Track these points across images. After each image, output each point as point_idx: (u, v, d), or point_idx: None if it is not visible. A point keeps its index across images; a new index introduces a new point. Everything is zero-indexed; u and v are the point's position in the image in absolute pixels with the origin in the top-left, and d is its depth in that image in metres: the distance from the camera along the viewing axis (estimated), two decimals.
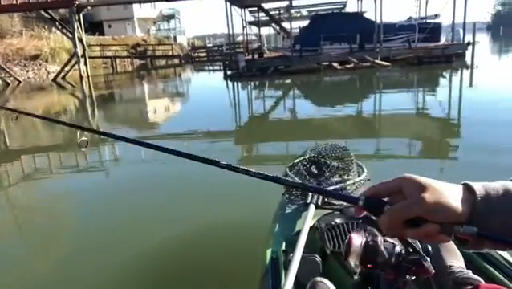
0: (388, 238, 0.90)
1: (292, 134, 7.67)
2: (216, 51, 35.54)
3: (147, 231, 3.66)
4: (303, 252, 1.43)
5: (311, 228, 1.68)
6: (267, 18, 26.80)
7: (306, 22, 26.44)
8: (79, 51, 22.11)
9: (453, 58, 17.23)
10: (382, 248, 0.87)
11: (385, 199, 0.62)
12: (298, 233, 1.57)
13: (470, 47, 18.48)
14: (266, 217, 2.25)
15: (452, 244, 1.41)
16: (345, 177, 2.23)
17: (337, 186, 2.11)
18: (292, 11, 22.34)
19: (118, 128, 9.79)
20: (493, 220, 0.56)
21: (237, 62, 18.85)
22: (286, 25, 27.62)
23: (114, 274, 2.97)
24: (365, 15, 21.69)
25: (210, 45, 43.33)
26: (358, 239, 0.87)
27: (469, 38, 18.99)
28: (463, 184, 0.60)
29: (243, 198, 4.16)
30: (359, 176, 2.27)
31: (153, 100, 15.65)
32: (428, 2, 21.74)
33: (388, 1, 19.39)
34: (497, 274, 1.43)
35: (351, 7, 29.10)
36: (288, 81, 17.13)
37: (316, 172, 2.35)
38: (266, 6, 24.94)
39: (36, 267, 3.26)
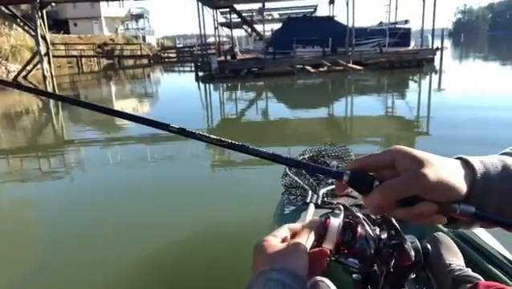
0: (366, 221, 0.81)
1: (266, 136, 7.66)
2: (186, 52, 35.05)
3: (143, 235, 3.57)
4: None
5: None
6: (239, 19, 26.57)
7: (277, 25, 26.45)
8: (42, 50, 21.09)
9: (424, 63, 17.59)
10: (362, 231, 0.75)
11: (372, 174, 0.53)
12: None
13: (438, 52, 18.93)
14: (266, 217, 2.25)
15: (451, 242, 1.43)
16: None
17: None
18: (264, 14, 22.20)
19: (84, 130, 9.44)
20: (491, 198, 0.51)
21: (210, 63, 18.50)
22: (257, 27, 27.50)
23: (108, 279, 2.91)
24: (336, 19, 21.87)
25: (180, 45, 42.67)
26: (336, 222, 0.75)
27: (435, 43, 19.50)
28: (458, 158, 0.54)
29: (243, 199, 4.13)
30: None
31: (122, 101, 15.16)
32: (397, 8, 22.14)
33: (358, 5, 19.63)
34: (497, 272, 1.42)
35: (322, 11, 29.35)
36: (262, 83, 16.97)
37: None
38: (238, 7, 24.71)
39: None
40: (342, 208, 0.86)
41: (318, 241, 0.72)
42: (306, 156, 2.45)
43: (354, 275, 1.10)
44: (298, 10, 29.51)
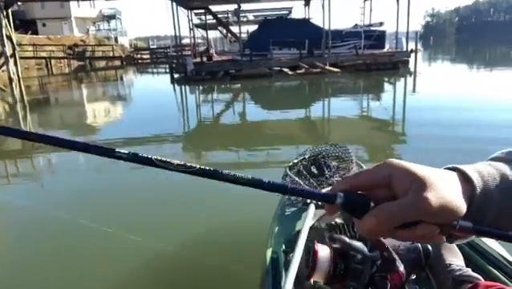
0: (356, 243, 0.76)
1: (244, 139, 7.64)
2: (160, 53, 34.46)
3: (147, 236, 3.49)
4: (303, 252, 1.39)
5: (311, 228, 1.67)
6: (214, 21, 26.28)
7: (252, 27, 26.33)
8: (8, 51, 20.18)
9: (399, 65, 17.81)
10: (354, 258, 0.71)
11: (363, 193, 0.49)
12: (298, 233, 1.56)
13: (412, 55, 19.22)
14: (266, 218, 2.25)
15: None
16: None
17: None
18: (240, 15, 22.02)
19: (55, 133, 8.84)
20: (488, 212, 0.49)
21: (185, 65, 18.13)
22: (233, 29, 27.29)
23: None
24: (311, 21, 21.90)
25: (154, 47, 41.96)
26: (325, 252, 0.70)
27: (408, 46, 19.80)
28: (453, 169, 0.51)
29: (243, 199, 4.09)
30: None
31: (93, 104, 14.68)
32: (372, 10, 22.36)
33: (333, 8, 19.73)
34: (497, 272, 1.44)
35: (297, 13, 29.42)
36: (239, 85, 16.77)
37: (316, 172, 2.34)
38: (213, 8, 24.43)
39: None
40: (326, 233, 0.85)
41: (309, 272, 0.69)
42: (306, 157, 2.46)
43: None
44: (273, 12, 29.51)
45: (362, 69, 17.53)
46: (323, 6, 18.71)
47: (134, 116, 11.31)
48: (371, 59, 17.93)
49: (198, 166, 0.47)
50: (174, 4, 19.48)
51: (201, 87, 16.72)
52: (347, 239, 0.83)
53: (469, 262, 1.45)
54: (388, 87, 15.47)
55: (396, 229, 0.47)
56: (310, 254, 0.73)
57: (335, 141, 2.68)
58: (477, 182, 0.49)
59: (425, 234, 0.47)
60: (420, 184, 0.45)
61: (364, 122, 8.97)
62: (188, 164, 0.48)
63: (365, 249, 0.87)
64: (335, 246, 0.77)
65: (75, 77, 26.54)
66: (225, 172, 0.48)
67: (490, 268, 1.48)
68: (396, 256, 0.81)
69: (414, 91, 13.70)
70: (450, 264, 1.37)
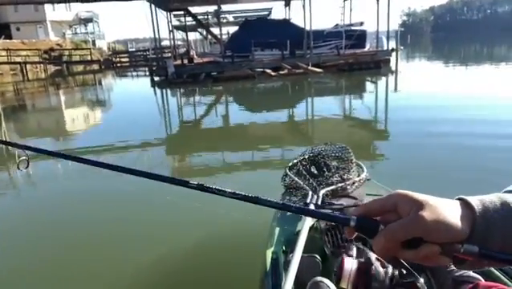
0: (380, 259, 0.82)
1: (228, 142, 7.59)
2: (140, 56, 33.95)
3: (145, 242, 3.52)
4: (303, 252, 1.43)
5: (311, 228, 1.68)
6: (194, 22, 25.99)
7: (232, 28, 26.13)
8: None
9: (381, 64, 17.89)
10: (375, 272, 0.78)
11: (377, 218, 0.57)
12: (298, 233, 1.57)
13: (393, 54, 19.36)
14: (266, 218, 2.22)
15: None
16: (345, 177, 2.21)
17: (337, 186, 2.11)
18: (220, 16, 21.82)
19: (31, 143, 8.53)
20: (494, 236, 0.52)
21: (166, 67, 17.83)
22: (213, 30, 27.05)
23: None
24: (292, 22, 21.86)
25: (133, 49, 41.33)
26: (349, 262, 0.76)
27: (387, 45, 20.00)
28: (458, 199, 0.57)
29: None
30: (359, 175, 2.26)
31: (72, 110, 14.23)
32: (352, 10, 22.46)
33: (313, 8, 19.63)
34: (497, 272, 1.45)
35: (277, 13, 29.37)
36: (221, 88, 16.56)
37: (316, 172, 2.34)
38: (193, 10, 24.14)
39: None
40: (354, 248, 0.90)
41: (336, 280, 0.76)
42: (306, 157, 2.45)
43: None
44: (253, 13, 29.37)
45: (344, 69, 17.55)
46: (303, 7, 18.68)
47: (114, 121, 11.00)
48: (354, 59, 17.98)
49: (243, 193, 0.60)
50: (153, 6, 19.14)
51: (182, 90, 16.43)
52: (371, 255, 0.86)
53: None
54: (370, 86, 15.52)
55: (403, 250, 0.53)
56: (337, 266, 0.78)
57: (320, 141, 2.66)
58: (478, 208, 0.53)
59: (427, 254, 0.52)
60: (418, 205, 0.53)
61: (349, 121, 9.05)
62: (237, 192, 0.61)
63: (387, 267, 0.90)
64: (360, 260, 0.80)
65: (51, 82, 25.82)
66: (263, 197, 0.59)
67: (490, 268, 1.45)
68: (415, 274, 0.85)
69: (396, 89, 13.84)
70: (450, 264, 1.31)
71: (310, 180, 2.23)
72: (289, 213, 2.05)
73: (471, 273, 1.31)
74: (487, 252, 0.51)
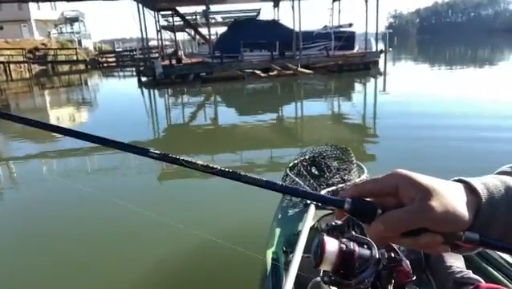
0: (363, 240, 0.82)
1: (217, 143, 7.57)
2: (127, 56, 33.55)
3: (145, 243, 3.53)
4: (303, 252, 1.42)
5: (312, 228, 1.67)
6: (182, 22, 25.74)
7: (220, 29, 25.96)
8: None
9: (371, 65, 17.94)
10: (359, 254, 0.76)
11: (371, 199, 0.52)
12: (299, 233, 1.56)
13: (381, 55, 19.47)
14: (266, 218, 2.23)
15: None
16: (346, 178, 2.19)
17: (338, 186, 2.09)
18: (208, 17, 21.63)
19: (14, 142, 8.62)
20: (496, 223, 0.50)
21: (153, 68, 17.57)
22: (201, 30, 26.83)
23: None
24: (281, 23, 21.78)
25: (120, 49, 40.82)
26: (331, 243, 0.75)
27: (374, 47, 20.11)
28: (459, 180, 0.52)
29: (243, 200, 4.14)
30: (359, 176, 2.24)
31: (57, 110, 13.92)
32: (340, 11, 22.50)
33: (302, 9, 19.59)
34: (497, 274, 1.44)
35: (265, 14, 29.34)
36: (210, 88, 16.39)
37: (317, 172, 2.32)
38: (181, 10, 23.90)
39: None
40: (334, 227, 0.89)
41: (317, 263, 0.72)
42: (306, 158, 2.44)
43: None
44: (242, 13, 29.24)
45: (334, 70, 17.54)
46: (292, 8, 18.61)
47: (100, 122, 10.81)
48: (343, 60, 17.99)
49: (219, 167, 0.55)
50: (140, 6, 18.87)
51: (170, 91, 16.22)
52: (354, 235, 0.85)
53: (469, 264, 1.46)
54: (360, 87, 15.60)
55: (401, 236, 0.49)
56: (317, 246, 0.73)
57: (309, 142, 2.67)
58: (483, 193, 0.50)
59: (428, 243, 0.49)
60: (426, 192, 0.48)
61: (338, 122, 9.12)
62: (210, 165, 0.56)
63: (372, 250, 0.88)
64: (342, 240, 0.78)
65: (36, 82, 25.31)
66: (244, 173, 0.55)
67: (491, 270, 1.47)
68: (402, 256, 0.85)
69: (384, 90, 14.01)
70: (451, 266, 1.37)
71: (311, 180, 2.21)
72: (290, 214, 2.07)
73: (472, 275, 1.30)
74: (487, 240, 0.49)
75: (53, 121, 11.48)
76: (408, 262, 0.85)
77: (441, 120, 7.74)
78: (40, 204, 4.79)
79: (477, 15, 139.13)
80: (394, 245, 0.88)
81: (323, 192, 2.01)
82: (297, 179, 2.24)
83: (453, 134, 6.54)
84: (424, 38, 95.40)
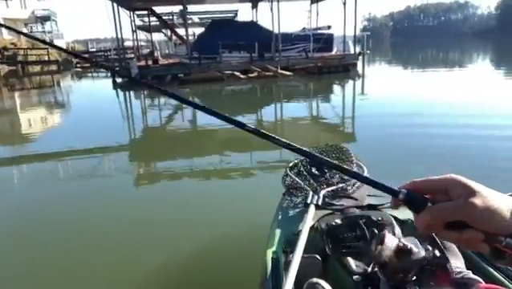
0: (407, 242, 0.88)
1: (196, 146, 7.52)
2: (101, 57, 32.71)
3: (144, 243, 3.55)
4: (304, 252, 1.42)
5: (312, 228, 1.68)
6: (158, 22, 25.25)
7: (197, 30, 25.60)
8: None
9: (350, 67, 18.00)
10: (413, 252, 0.82)
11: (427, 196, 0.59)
12: (299, 233, 1.56)
13: (360, 57, 19.56)
14: (266, 218, 2.22)
15: (452, 244, 1.43)
16: (346, 177, 2.19)
17: (338, 186, 2.11)
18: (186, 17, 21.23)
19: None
20: None
21: (129, 68, 17.09)
22: (178, 31, 26.40)
23: None
24: (260, 24, 21.64)
25: (94, 50, 39.80)
26: (390, 239, 0.80)
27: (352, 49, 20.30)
28: None
29: (243, 200, 4.19)
30: None
31: (27, 113, 13.28)
32: (318, 14, 22.54)
33: (280, 11, 19.46)
34: (497, 274, 1.44)
35: (243, 15, 29.19)
36: (189, 90, 16.06)
37: (317, 172, 2.33)
38: (157, 9, 23.41)
39: None
40: (397, 228, 1.06)
41: (377, 245, 0.79)
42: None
43: (354, 277, 1.29)
44: (219, 14, 28.95)
45: (314, 72, 17.50)
46: (271, 9, 18.47)
47: (74, 125, 10.39)
48: (322, 62, 17.97)
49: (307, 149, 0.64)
50: (115, 5, 18.34)
51: (146, 92, 15.82)
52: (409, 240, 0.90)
53: (469, 264, 1.46)
54: (338, 89, 15.66)
55: (446, 228, 0.55)
56: (377, 239, 0.82)
57: (289, 142, 2.51)
58: None
59: (470, 239, 0.54)
60: (472, 191, 0.54)
61: (318, 123, 9.24)
62: (292, 144, 0.65)
63: (418, 245, 0.93)
64: (400, 239, 0.84)
65: (5, 83, 24.26)
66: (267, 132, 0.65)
67: (491, 270, 1.48)
68: (448, 254, 0.89)
69: (363, 92, 14.14)
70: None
71: (311, 180, 2.22)
72: (290, 214, 2.07)
73: (472, 275, 1.31)
74: None
75: (24, 125, 10.98)
76: (451, 264, 0.85)
77: (418, 119, 8.16)
78: (41, 205, 4.67)
79: (447, 19, 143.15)
80: (441, 245, 0.95)
81: (322, 192, 2.04)
82: (297, 179, 2.24)
83: (428, 132, 6.97)
84: (398, 41, 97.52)
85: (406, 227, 1.60)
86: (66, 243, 3.66)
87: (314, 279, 1.29)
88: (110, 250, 3.48)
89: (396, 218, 1.66)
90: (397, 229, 1.51)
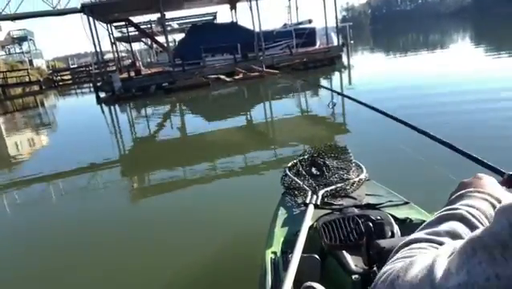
0: None
1: (188, 152, 7.42)
2: (82, 72, 32.23)
3: (144, 244, 3.62)
4: (302, 252, 1.42)
5: (310, 228, 1.68)
6: (137, 32, 24.89)
7: (177, 36, 25.28)
8: None
9: (335, 60, 17.87)
10: None
11: None
12: (298, 233, 1.56)
13: (344, 48, 19.48)
14: (266, 218, 2.22)
15: None
16: (344, 177, 2.21)
17: (337, 186, 2.11)
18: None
19: None
20: None
21: (112, 82, 16.75)
22: (158, 39, 26.06)
23: None
24: (240, 24, 21.44)
25: (75, 66, 39.21)
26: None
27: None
28: None
29: (242, 199, 4.25)
30: (358, 176, 2.26)
31: (13, 136, 12.95)
32: (298, 8, 22.40)
33: (259, 9, 19.21)
34: None
35: (221, 18, 28.87)
36: (175, 99, 15.81)
37: (316, 172, 2.35)
38: (134, 19, 23.04)
39: None
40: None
41: None
42: (306, 157, 2.47)
43: (353, 276, 1.32)
44: (198, 18, 28.68)
45: (299, 68, 17.35)
46: (250, 8, 18.24)
47: (61, 144, 10.15)
48: (307, 57, 17.82)
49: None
50: (91, 19, 17.97)
51: (132, 105, 15.52)
52: None
53: None
54: (326, 83, 15.49)
55: None
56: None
57: (283, 141, 2.55)
58: None
59: None
60: None
61: (309, 119, 9.16)
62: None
63: None
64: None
65: None
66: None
67: None
68: None
69: (350, 83, 14.06)
70: None
71: (310, 180, 2.22)
72: (289, 214, 2.07)
73: None
74: None
75: (11, 149, 10.68)
76: None
77: (403, 102, 8.05)
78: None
79: (424, 2, 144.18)
80: None
81: (321, 191, 2.03)
82: (296, 179, 2.25)
83: (414, 112, 6.85)
84: (378, 28, 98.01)
85: (404, 226, 1.60)
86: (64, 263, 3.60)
87: (311, 283, 1.26)
88: (112, 259, 3.53)
89: (394, 217, 1.65)
90: (396, 228, 1.51)
